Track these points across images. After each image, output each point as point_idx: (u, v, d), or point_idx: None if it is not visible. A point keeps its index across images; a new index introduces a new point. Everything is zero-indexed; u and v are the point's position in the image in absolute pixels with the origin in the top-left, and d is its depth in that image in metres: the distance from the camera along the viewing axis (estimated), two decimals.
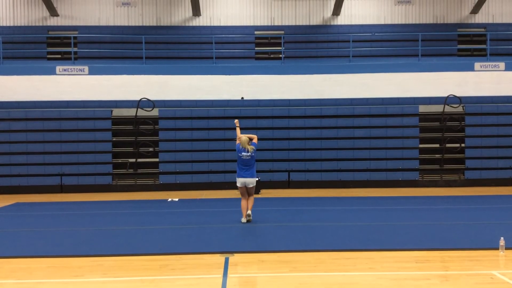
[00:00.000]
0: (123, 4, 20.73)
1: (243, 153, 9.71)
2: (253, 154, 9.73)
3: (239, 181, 9.76)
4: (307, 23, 20.99)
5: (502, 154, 16.81)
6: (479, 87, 17.68)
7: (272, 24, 20.98)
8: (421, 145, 17.03)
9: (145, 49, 18.61)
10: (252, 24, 20.88)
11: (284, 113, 17.12)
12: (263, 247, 7.84)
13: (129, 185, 16.49)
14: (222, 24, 20.83)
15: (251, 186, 9.79)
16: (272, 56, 20.77)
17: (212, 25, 20.79)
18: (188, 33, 20.62)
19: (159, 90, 17.46)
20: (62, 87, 17.40)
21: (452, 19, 21.14)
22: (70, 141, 16.57)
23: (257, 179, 10.24)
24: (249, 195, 9.90)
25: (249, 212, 9.87)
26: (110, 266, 6.90)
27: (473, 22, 21.14)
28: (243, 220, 9.80)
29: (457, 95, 17.18)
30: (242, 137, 9.81)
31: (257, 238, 8.59)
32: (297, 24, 20.97)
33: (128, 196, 14.98)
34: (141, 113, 16.89)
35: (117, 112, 17.14)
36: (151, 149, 16.77)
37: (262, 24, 20.93)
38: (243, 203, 9.86)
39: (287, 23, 20.96)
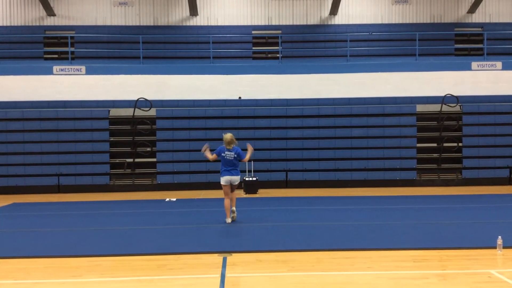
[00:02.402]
0: (120, 3, 20.70)
1: (226, 152, 9.61)
2: (235, 155, 9.61)
3: (224, 179, 9.64)
4: (305, 23, 21.00)
5: (499, 153, 16.84)
6: (476, 87, 17.71)
7: (270, 24, 20.97)
8: (418, 145, 17.05)
9: (143, 49, 18.58)
10: (249, 23, 20.88)
11: (281, 112, 17.12)
12: (261, 246, 7.84)
13: (126, 185, 16.46)
14: (220, 23, 20.82)
15: (236, 183, 9.73)
16: (269, 55, 20.77)
17: (209, 24, 20.78)
18: (185, 33, 20.60)
19: (157, 90, 17.44)
20: (59, 87, 17.37)
21: (449, 18, 21.17)
22: (67, 141, 16.54)
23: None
24: (232, 191, 9.83)
25: (234, 209, 9.84)
26: (108, 266, 6.89)
27: (470, 21, 21.18)
28: (228, 220, 9.71)
29: (454, 94, 17.20)
30: (225, 136, 9.65)
31: (255, 237, 8.59)
32: (295, 23, 20.97)
33: (126, 196, 14.96)
34: (139, 113, 16.87)
35: (115, 112, 17.12)
36: (148, 149, 16.75)
37: (259, 23, 20.93)
38: (227, 202, 9.73)
39: (284, 23, 20.97)
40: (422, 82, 17.70)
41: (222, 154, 9.65)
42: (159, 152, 16.76)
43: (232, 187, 9.80)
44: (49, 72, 17.52)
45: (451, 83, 17.63)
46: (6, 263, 7.13)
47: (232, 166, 9.65)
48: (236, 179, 9.67)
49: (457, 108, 17.19)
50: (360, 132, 16.93)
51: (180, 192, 15.67)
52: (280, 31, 20.74)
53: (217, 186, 15.86)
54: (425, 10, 21.16)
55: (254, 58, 20.54)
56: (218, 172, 16.10)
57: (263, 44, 21.13)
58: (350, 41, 19.15)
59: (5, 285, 6.14)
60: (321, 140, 16.82)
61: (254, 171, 15.60)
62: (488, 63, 17.96)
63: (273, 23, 20.97)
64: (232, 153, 9.60)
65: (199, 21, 20.86)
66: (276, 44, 20.47)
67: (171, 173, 16.52)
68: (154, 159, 16.77)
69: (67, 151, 16.49)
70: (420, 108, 17.33)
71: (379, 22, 21.01)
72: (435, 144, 17.17)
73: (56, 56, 20.37)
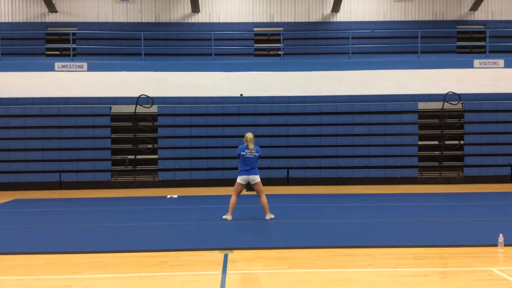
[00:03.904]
0: (122, 0, 20.69)
1: (247, 151, 9.57)
2: (256, 154, 9.60)
3: (243, 179, 9.60)
4: (307, 20, 20.97)
5: (501, 151, 16.82)
6: (478, 84, 17.68)
7: (271, 21, 20.95)
8: (420, 142, 17.04)
9: (144, 46, 18.58)
10: (251, 20, 20.85)
11: (283, 110, 17.11)
12: (262, 243, 7.85)
13: (128, 182, 16.48)
14: (221, 20, 20.79)
15: (254, 182, 9.64)
16: (271, 53, 20.74)
17: (211, 21, 20.75)
18: (187, 30, 20.58)
19: (158, 87, 17.44)
20: (61, 84, 17.37)
21: (451, 16, 21.12)
22: (69, 137, 16.55)
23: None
24: (258, 192, 9.78)
25: (271, 216, 9.79)
26: (109, 263, 6.90)
27: (472, 19, 21.14)
28: (229, 217, 9.71)
29: (456, 92, 17.18)
30: (247, 134, 9.69)
31: (256, 234, 8.59)
32: (297, 20, 20.94)
33: (127, 193, 14.98)
34: (140, 109, 16.88)
35: (116, 109, 17.13)
36: (150, 146, 16.76)
37: (261, 20, 20.91)
38: (233, 199, 9.73)
39: (286, 20, 20.94)
40: (424, 79, 17.67)
41: (242, 153, 9.59)
42: (160, 149, 16.77)
43: (255, 187, 9.71)
44: (51, 68, 17.52)
45: (453, 81, 17.60)
46: (7, 259, 7.14)
47: (251, 165, 9.57)
48: (254, 178, 9.60)
49: (459, 106, 17.16)
50: (362, 129, 16.91)
51: (182, 189, 15.68)
52: (282, 28, 20.71)
53: (218, 183, 16.02)
54: (427, 7, 21.11)
55: (255, 55, 20.52)
56: (219, 169, 16.33)
57: (265, 41, 21.09)
58: (352, 38, 19.11)
59: (6, 281, 6.15)
60: (323, 138, 16.82)
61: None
62: (490, 60, 17.92)
63: (275, 20, 20.94)
64: (254, 151, 9.57)
65: (200, 18, 20.84)
66: (277, 41, 20.45)
67: (172, 170, 16.53)
68: (156, 156, 16.77)
69: (68, 147, 16.50)
70: (421, 105, 17.30)
71: (381, 19, 20.97)
72: (436, 142, 17.15)
73: (58, 52, 20.38)
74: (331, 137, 16.82)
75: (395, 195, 13.91)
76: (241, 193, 10.04)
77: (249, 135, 9.63)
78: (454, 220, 9.72)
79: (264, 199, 9.81)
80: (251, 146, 9.56)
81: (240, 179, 9.65)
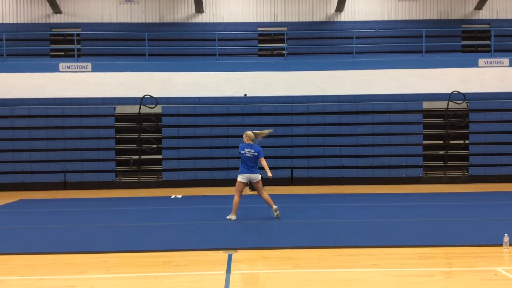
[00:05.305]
0: (126, 1, 20.72)
1: (246, 150, 9.67)
2: (255, 153, 9.63)
3: (244, 177, 9.67)
4: (310, 20, 20.95)
5: (506, 151, 16.73)
6: (483, 84, 17.60)
7: (275, 21, 20.93)
8: (424, 142, 16.98)
9: (148, 46, 18.60)
10: (255, 20, 20.85)
11: (287, 110, 17.09)
12: (266, 243, 7.85)
13: (132, 182, 16.50)
14: (225, 21, 20.79)
15: (256, 181, 9.70)
16: (275, 52, 20.73)
17: (215, 22, 20.76)
18: (191, 30, 20.59)
19: (162, 87, 17.46)
20: (65, 84, 17.42)
21: (456, 15, 21.05)
22: (73, 138, 16.58)
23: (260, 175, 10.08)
24: (259, 190, 9.81)
25: (276, 206, 9.88)
26: (114, 263, 6.91)
27: (477, 18, 21.06)
28: (233, 217, 9.72)
29: (461, 91, 17.11)
30: (247, 132, 9.77)
31: (260, 234, 8.59)
32: (300, 20, 20.92)
33: (132, 193, 15.00)
34: (144, 110, 16.89)
35: (120, 109, 17.15)
36: (154, 146, 16.78)
37: (265, 20, 20.90)
38: (236, 199, 9.75)
39: (290, 20, 20.92)
40: (429, 79, 17.62)
41: (242, 152, 9.69)
42: (164, 149, 16.78)
43: (255, 186, 9.78)
44: (55, 69, 17.57)
45: (457, 80, 17.53)
46: (12, 259, 7.17)
47: (252, 163, 9.65)
48: (255, 177, 9.69)
49: (463, 105, 17.10)
50: (366, 129, 16.87)
51: (186, 189, 15.67)
52: (285, 28, 20.70)
53: (222, 183, 16.00)
54: (432, 6, 21.05)
55: (259, 55, 20.52)
56: (222, 169, 16.33)
57: (269, 41, 21.08)
58: (356, 38, 19.07)
59: (11, 281, 6.17)
60: (327, 137, 16.79)
61: (259, 168, 15.57)
62: (495, 59, 17.85)
63: (279, 20, 20.93)
64: (252, 151, 9.62)
65: (204, 18, 20.85)
66: (281, 41, 20.43)
67: (176, 170, 16.54)
68: (160, 156, 16.79)
69: (73, 148, 16.53)
70: (426, 105, 17.24)
71: (386, 18, 20.93)
72: (441, 141, 17.10)
73: (63, 53, 20.45)
74: (335, 136, 16.78)
75: (399, 194, 13.88)
76: (245, 193, 10.05)
77: (251, 134, 9.73)
78: (459, 219, 9.69)
79: (265, 195, 9.89)
80: (249, 141, 9.67)
81: (241, 177, 9.71)
